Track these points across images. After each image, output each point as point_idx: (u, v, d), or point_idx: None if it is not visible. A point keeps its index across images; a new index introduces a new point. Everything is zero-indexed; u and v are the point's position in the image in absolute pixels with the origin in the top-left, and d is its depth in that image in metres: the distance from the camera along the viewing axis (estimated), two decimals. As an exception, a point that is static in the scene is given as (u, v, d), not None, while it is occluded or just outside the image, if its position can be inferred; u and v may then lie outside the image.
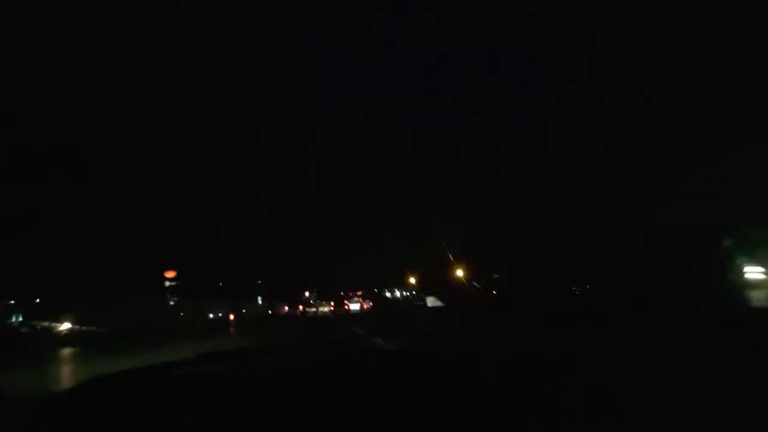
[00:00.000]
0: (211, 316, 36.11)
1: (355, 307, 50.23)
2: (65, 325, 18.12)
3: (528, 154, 40.82)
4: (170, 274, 32.45)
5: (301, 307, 51.02)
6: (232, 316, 37.13)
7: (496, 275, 29.73)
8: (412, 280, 48.06)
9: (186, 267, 35.14)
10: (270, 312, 49.98)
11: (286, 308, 52.15)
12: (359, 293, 62.57)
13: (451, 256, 28.25)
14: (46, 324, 18.05)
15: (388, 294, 71.84)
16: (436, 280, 34.72)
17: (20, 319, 18.57)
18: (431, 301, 31.25)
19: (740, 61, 19.66)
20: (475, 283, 27.82)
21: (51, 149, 26.40)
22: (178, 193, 36.68)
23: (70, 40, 32.32)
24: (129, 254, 29.30)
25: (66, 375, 8.96)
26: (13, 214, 22.88)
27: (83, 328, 18.37)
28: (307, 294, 63.88)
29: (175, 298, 32.43)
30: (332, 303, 53.72)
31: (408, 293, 55.45)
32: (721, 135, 18.81)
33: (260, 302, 51.92)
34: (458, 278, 29.15)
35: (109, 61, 34.89)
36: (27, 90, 25.39)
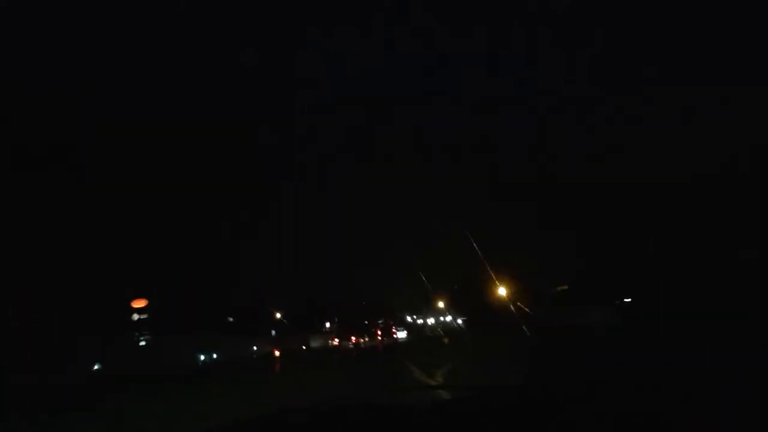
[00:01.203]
0: (202, 357, 26.77)
1: (402, 335, 51.88)
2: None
3: (528, 154, 40.78)
4: (139, 304, 25.30)
5: (353, 338, 49.85)
6: (277, 353, 32.06)
7: (562, 287, 24.49)
8: (441, 304, 46.16)
9: (176, 287, 28.68)
10: (304, 348, 44.93)
11: (336, 341, 49.87)
12: (380, 322, 62.44)
13: (490, 271, 22.56)
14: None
15: (420, 321, 70.26)
16: (474, 304, 29.63)
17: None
18: None
19: (740, 61, 19.66)
20: (521, 305, 22.74)
21: (51, 149, 26.40)
22: (177, 194, 36.59)
23: (70, 40, 32.30)
24: (126, 259, 28.26)
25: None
26: (12, 214, 22.88)
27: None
28: (328, 324, 61.39)
29: (148, 337, 24.90)
30: (379, 332, 54.34)
31: (453, 319, 52.01)
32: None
33: (274, 335, 46.49)
34: (500, 298, 23.72)
35: (109, 61, 34.87)
36: (27, 90, 25.40)
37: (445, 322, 55.18)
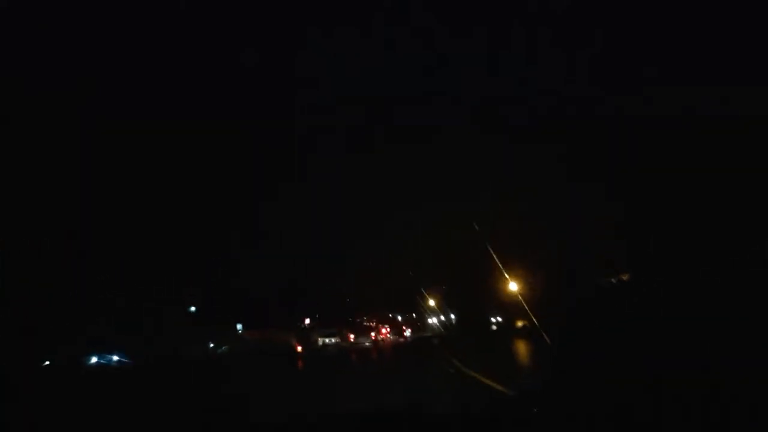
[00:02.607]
0: (95, 360, 16.85)
1: (408, 333, 58.14)
2: None
3: (528, 154, 40.73)
4: None
5: (372, 335, 52.32)
6: (299, 348, 29.42)
7: (621, 278, 19.14)
8: (432, 303, 45.82)
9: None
10: (299, 348, 38.45)
11: (352, 337, 50.35)
12: (372, 321, 64.48)
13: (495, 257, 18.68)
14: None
15: (419, 322, 69.44)
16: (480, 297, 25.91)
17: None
18: None
19: (740, 61, 19.66)
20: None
21: (51, 149, 26.42)
22: (177, 194, 36.58)
23: (70, 40, 32.28)
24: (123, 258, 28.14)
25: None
26: (12, 215, 22.86)
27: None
28: (307, 321, 57.81)
29: None
30: (387, 331, 59.07)
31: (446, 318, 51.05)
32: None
33: (240, 331, 39.55)
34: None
35: (109, 61, 34.85)
36: (27, 90, 25.41)
37: (447, 320, 54.94)
